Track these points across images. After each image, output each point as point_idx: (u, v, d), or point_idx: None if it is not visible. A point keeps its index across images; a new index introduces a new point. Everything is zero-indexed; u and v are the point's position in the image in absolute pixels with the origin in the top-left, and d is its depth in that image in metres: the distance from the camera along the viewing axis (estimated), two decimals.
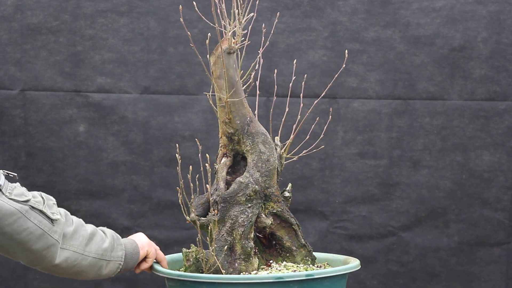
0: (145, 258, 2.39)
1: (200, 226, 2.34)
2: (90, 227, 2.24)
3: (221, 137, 2.40)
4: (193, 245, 2.32)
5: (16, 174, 2.18)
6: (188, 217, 2.39)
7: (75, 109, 3.59)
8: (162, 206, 3.62)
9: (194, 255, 2.31)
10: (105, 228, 2.31)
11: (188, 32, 2.29)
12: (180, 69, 3.60)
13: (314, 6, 3.60)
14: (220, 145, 2.40)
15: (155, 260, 2.41)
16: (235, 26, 2.34)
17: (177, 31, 3.59)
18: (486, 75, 3.58)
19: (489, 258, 3.64)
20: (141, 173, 3.61)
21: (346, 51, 2.64)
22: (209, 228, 2.35)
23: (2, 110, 3.56)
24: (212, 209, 2.36)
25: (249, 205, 2.35)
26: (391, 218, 3.64)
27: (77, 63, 3.58)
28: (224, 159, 2.39)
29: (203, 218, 2.35)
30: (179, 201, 2.36)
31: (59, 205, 2.20)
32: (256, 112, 2.46)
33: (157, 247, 2.43)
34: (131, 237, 2.39)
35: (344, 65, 2.66)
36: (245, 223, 2.34)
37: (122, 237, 2.38)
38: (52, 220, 2.13)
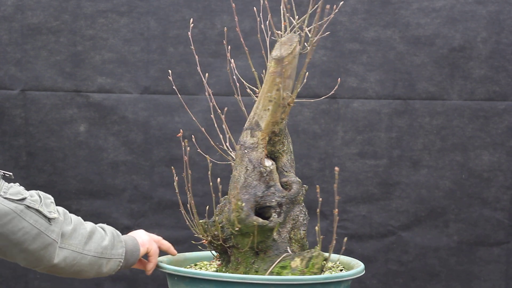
0: (147, 257, 2.39)
1: (261, 231, 2.25)
2: (89, 225, 2.22)
3: (263, 138, 2.32)
4: (317, 248, 2.26)
5: (11, 174, 2.14)
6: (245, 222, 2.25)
7: (75, 109, 3.59)
8: (162, 205, 3.63)
9: (322, 258, 2.26)
10: (105, 225, 2.29)
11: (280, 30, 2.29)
12: (180, 69, 3.60)
13: (314, 6, 3.60)
14: (261, 146, 2.30)
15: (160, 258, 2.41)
16: (315, 26, 2.31)
17: (177, 31, 3.59)
18: (486, 75, 3.59)
19: (489, 258, 3.64)
20: (142, 173, 3.61)
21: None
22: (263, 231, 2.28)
23: (2, 110, 3.56)
24: (273, 211, 2.27)
25: (303, 204, 2.34)
26: (390, 218, 3.64)
27: (77, 63, 3.58)
28: (270, 161, 2.32)
29: (266, 221, 2.25)
30: (215, 208, 2.31)
31: (59, 205, 2.18)
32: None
33: (159, 238, 2.41)
34: (131, 233, 2.38)
35: (303, 67, 2.66)
36: (305, 222, 2.33)
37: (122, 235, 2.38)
38: (49, 219, 2.10)
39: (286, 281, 2.14)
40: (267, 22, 2.40)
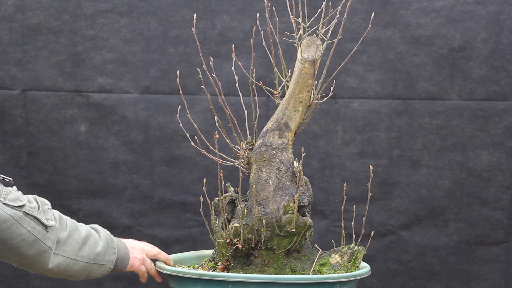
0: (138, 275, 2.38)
1: (305, 230, 2.28)
2: (84, 230, 2.22)
3: (292, 138, 2.34)
4: (354, 243, 2.32)
5: (11, 179, 2.14)
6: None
7: (76, 109, 3.59)
8: (162, 205, 3.63)
9: (363, 252, 2.34)
10: (100, 229, 2.29)
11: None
12: (180, 69, 3.60)
13: (314, 6, 3.60)
14: (290, 147, 2.33)
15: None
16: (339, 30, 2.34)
17: (178, 31, 3.60)
18: (486, 75, 3.59)
19: (488, 257, 3.65)
20: (142, 172, 3.62)
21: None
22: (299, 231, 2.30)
23: (3, 110, 3.56)
24: (306, 210, 2.30)
25: None
26: (390, 217, 3.65)
27: (77, 63, 3.59)
28: (296, 161, 2.33)
29: (311, 221, 2.29)
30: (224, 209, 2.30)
31: (60, 205, 2.20)
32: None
33: (156, 253, 2.38)
34: (128, 242, 2.36)
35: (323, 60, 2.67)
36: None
37: (121, 236, 2.36)
38: (46, 227, 2.11)
39: (294, 280, 2.16)
40: (272, 22, 2.42)
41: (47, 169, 3.59)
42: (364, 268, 2.35)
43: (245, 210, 2.28)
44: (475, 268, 3.66)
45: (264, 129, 2.35)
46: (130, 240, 2.40)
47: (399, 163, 3.63)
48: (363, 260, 2.50)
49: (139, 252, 2.35)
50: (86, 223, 2.32)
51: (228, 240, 2.27)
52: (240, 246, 2.26)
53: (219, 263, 2.35)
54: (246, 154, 2.37)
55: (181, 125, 2.45)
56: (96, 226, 2.31)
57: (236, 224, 2.26)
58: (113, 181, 3.61)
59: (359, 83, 3.61)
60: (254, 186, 2.28)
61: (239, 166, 2.37)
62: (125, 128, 3.60)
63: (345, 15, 2.36)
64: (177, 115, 2.47)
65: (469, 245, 3.65)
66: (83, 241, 2.19)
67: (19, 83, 3.58)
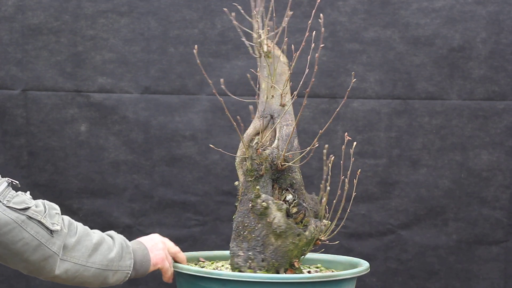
0: (161, 272, 2.33)
1: None
2: (96, 236, 2.19)
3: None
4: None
5: (18, 182, 2.12)
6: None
7: (76, 109, 3.60)
8: (163, 205, 3.64)
9: None
10: (115, 234, 2.26)
11: None
12: (180, 69, 3.61)
13: (314, 6, 3.61)
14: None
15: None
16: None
17: (178, 31, 3.60)
18: (485, 75, 3.60)
19: (488, 256, 3.66)
20: (142, 172, 3.62)
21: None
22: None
23: (4, 110, 3.57)
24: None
25: None
26: (390, 217, 3.66)
27: (78, 63, 3.59)
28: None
29: None
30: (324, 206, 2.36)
31: (61, 204, 2.17)
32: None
33: (176, 251, 2.36)
34: (147, 241, 2.32)
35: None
36: None
37: (135, 237, 2.33)
38: (51, 231, 2.08)
39: (292, 279, 2.21)
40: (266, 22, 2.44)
41: (47, 169, 3.59)
42: (364, 265, 2.38)
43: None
44: (474, 268, 3.66)
45: (294, 130, 2.47)
46: (151, 237, 2.36)
47: (399, 162, 3.63)
48: (362, 258, 2.54)
49: (161, 248, 2.31)
50: (87, 222, 2.31)
51: (321, 237, 2.35)
52: (328, 242, 2.39)
53: (295, 262, 2.33)
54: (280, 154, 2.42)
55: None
56: (112, 232, 2.27)
57: (327, 222, 2.37)
58: (113, 181, 3.62)
59: (359, 83, 3.61)
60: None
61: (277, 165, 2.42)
62: (126, 128, 3.61)
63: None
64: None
65: (469, 244, 3.65)
66: (94, 247, 2.16)
67: (19, 83, 3.58)
